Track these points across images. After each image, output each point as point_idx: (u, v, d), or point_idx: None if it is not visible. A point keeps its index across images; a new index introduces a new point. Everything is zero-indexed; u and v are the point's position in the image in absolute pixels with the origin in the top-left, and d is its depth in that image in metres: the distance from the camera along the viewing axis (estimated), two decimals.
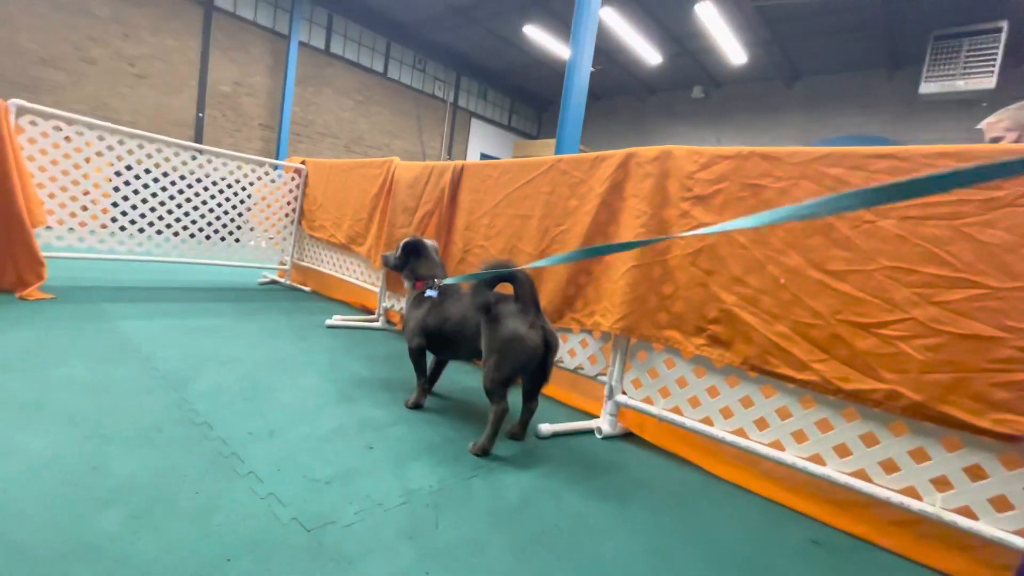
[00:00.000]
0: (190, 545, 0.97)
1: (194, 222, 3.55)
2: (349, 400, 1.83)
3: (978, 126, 2.26)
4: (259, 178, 3.81)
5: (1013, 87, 7.19)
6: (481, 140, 14.62)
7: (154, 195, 3.33)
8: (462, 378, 2.29)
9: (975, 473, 1.20)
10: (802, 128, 10.66)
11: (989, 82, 7.31)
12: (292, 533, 1.05)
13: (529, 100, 15.54)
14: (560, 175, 2.08)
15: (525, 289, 1.58)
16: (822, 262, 1.40)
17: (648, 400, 1.79)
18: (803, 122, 10.73)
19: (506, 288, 1.64)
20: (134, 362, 1.89)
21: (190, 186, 3.48)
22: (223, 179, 3.65)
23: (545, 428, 1.74)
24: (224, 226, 3.71)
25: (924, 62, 8.10)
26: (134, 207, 3.28)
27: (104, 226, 3.19)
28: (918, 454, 1.28)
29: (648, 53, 10.49)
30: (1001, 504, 1.17)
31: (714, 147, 1.64)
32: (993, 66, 7.39)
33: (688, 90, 12.15)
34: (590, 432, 1.85)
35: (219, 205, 3.66)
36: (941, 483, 1.24)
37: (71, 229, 3.03)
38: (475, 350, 1.70)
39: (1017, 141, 2.13)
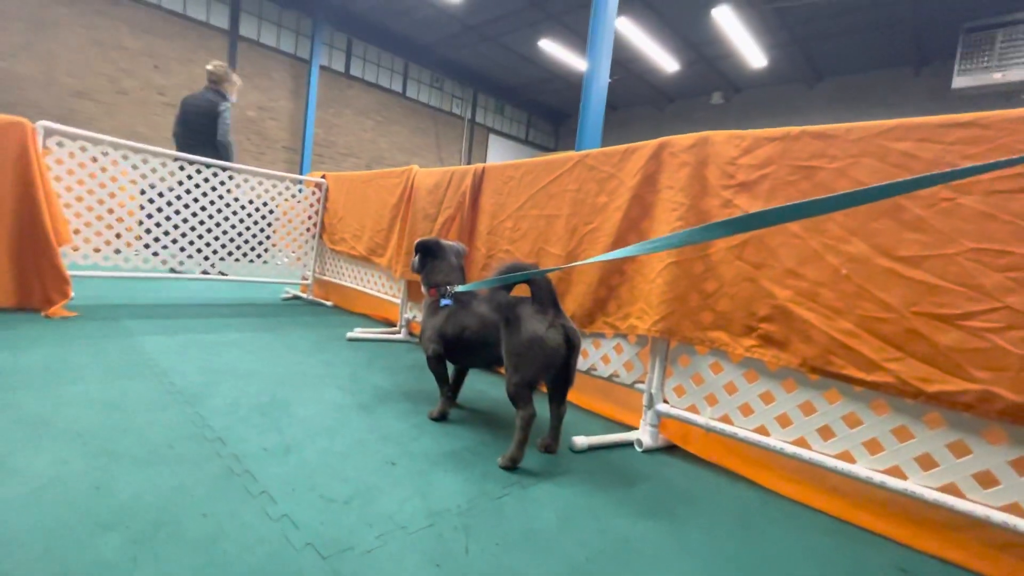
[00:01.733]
0: (194, 574, 0.86)
1: (217, 239, 3.54)
2: (370, 413, 1.73)
3: None
4: (280, 194, 3.80)
5: None
6: (499, 155, 14.68)
7: (177, 212, 3.34)
8: (488, 389, 2.16)
9: None
10: None
11: None
12: (306, 561, 0.94)
13: (546, 114, 15.59)
14: (587, 171, 1.97)
15: (542, 289, 1.50)
16: (891, 248, 1.24)
17: (693, 409, 1.64)
18: (827, 123, 10.41)
19: (524, 291, 1.55)
20: (151, 378, 1.83)
21: (212, 203, 3.48)
22: (245, 196, 3.65)
23: (580, 441, 1.60)
24: (247, 242, 3.70)
25: (955, 56, 7.80)
26: (158, 225, 3.29)
27: (129, 244, 3.20)
28: (1020, 464, 1.10)
29: (665, 61, 10.41)
30: None
31: (757, 130, 1.50)
32: None
33: (707, 96, 12.01)
34: (629, 445, 1.70)
35: (241, 222, 3.66)
36: None
37: (97, 249, 3.05)
38: (496, 357, 1.59)
39: None
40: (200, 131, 4.20)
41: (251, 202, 3.68)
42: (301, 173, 10.59)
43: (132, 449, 1.28)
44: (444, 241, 1.89)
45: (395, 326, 3.17)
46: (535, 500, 1.27)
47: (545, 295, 1.50)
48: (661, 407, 1.68)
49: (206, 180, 3.40)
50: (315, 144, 10.94)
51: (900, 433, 1.25)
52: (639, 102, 13.21)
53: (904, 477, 1.23)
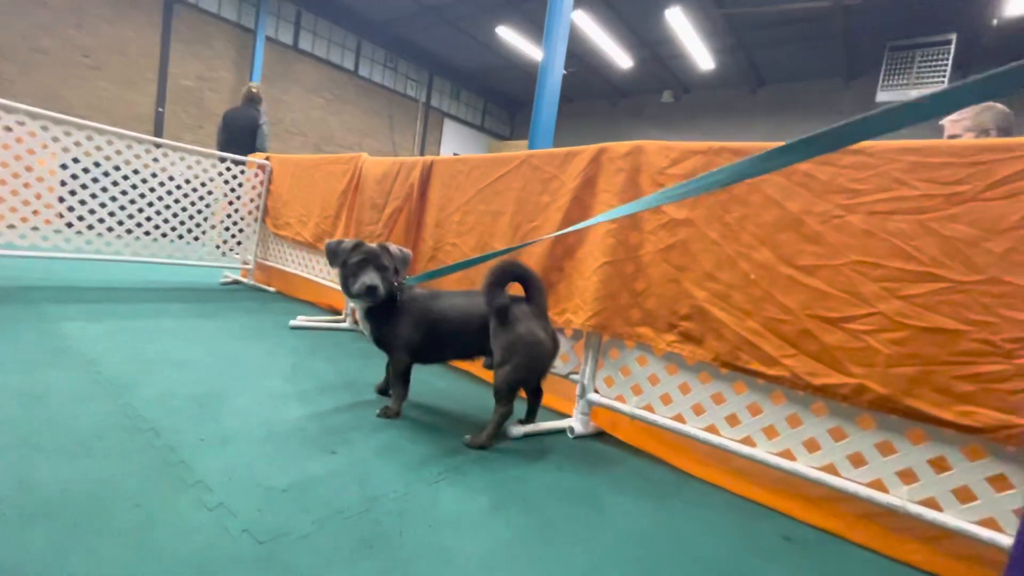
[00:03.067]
0: (125, 564, 0.88)
1: (149, 219, 3.37)
2: (311, 403, 1.75)
3: (940, 122, 2.34)
4: (220, 174, 3.65)
5: None
6: (454, 141, 14.52)
7: (104, 190, 3.15)
8: (431, 379, 2.22)
9: (940, 465, 1.22)
10: (767, 134, 10.97)
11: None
12: (243, 547, 0.97)
13: (502, 101, 15.54)
14: (532, 171, 2.04)
15: (540, 292, 1.64)
16: (792, 257, 1.40)
17: (620, 398, 1.77)
18: (768, 127, 11.04)
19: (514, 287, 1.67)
20: (75, 367, 1.76)
21: (144, 181, 3.30)
22: (181, 175, 3.48)
23: (516, 429, 1.70)
24: (182, 223, 3.54)
25: (880, 72, 8.43)
26: (83, 203, 3.09)
27: (48, 222, 2.99)
28: (884, 447, 1.29)
29: (619, 57, 10.62)
30: (964, 495, 1.18)
31: (685, 143, 1.63)
32: (943, 76, 7.75)
33: (658, 94, 12.36)
34: (562, 432, 1.82)
35: (176, 202, 3.49)
36: (907, 475, 1.25)
37: (11, 226, 2.83)
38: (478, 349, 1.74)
39: None
40: (242, 142, 4.86)
41: (188, 182, 3.52)
42: None
43: (57, 441, 1.25)
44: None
45: (340, 314, 3.15)
46: (469, 485, 1.35)
47: (541, 298, 1.64)
48: (592, 397, 1.81)
49: (137, 156, 3.21)
50: None
51: (792, 420, 1.42)
52: (593, 95, 13.42)
53: (794, 458, 1.41)
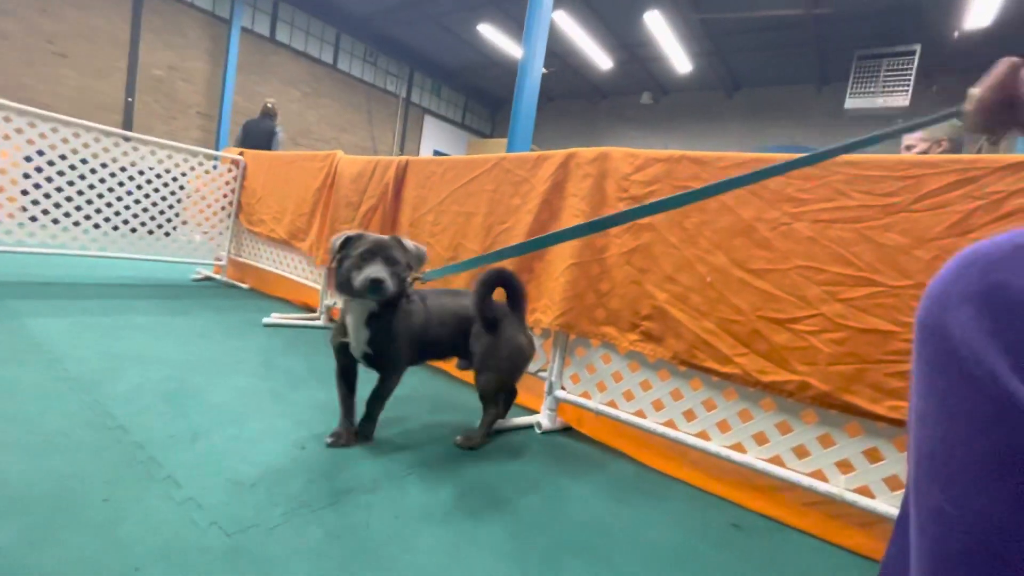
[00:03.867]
0: (94, 556, 0.91)
1: (118, 213, 3.31)
2: (283, 400, 1.77)
3: None
4: (192, 168, 3.60)
5: (923, 105, 7.87)
6: (435, 137, 14.46)
7: (71, 183, 3.08)
8: (406, 377, 2.25)
9: (873, 456, 1.31)
10: (741, 137, 11.23)
11: (904, 100, 7.97)
12: (211, 538, 1.00)
13: (483, 99, 15.52)
14: (504, 173, 2.09)
15: (523, 300, 1.70)
16: (744, 261, 1.48)
17: (586, 395, 1.84)
18: (742, 131, 11.30)
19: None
20: (41, 363, 1.75)
21: (113, 175, 3.24)
22: (151, 168, 3.43)
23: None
24: (152, 219, 3.49)
25: (849, 79, 8.72)
26: (47, 196, 3.02)
27: (11, 216, 2.92)
28: (825, 440, 1.38)
29: (599, 58, 10.73)
30: (895, 484, 1.28)
31: (648, 150, 1.70)
32: (908, 86, 8.06)
33: (637, 96, 12.52)
34: (531, 427, 1.88)
35: (147, 196, 3.44)
36: (844, 466, 1.35)
37: None
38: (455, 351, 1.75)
39: (926, 152, 2.35)
40: (260, 149, 5.16)
41: (159, 176, 3.47)
42: (218, 141, 9.87)
43: (23, 438, 1.25)
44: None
45: (315, 312, 3.15)
46: (437, 478, 1.40)
47: (523, 304, 1.70)
48: (559, 393, 1.87)
49: (106, 150, 3.15)
50: (235, 112, 10.20)
51: (743, 415, 1.50)
52: (574, 95, 13.51)
53: (744, 451, 1.49)
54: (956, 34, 7.73)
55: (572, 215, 1.84)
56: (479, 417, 1.79)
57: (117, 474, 1.17)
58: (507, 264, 1.99)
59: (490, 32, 10.40)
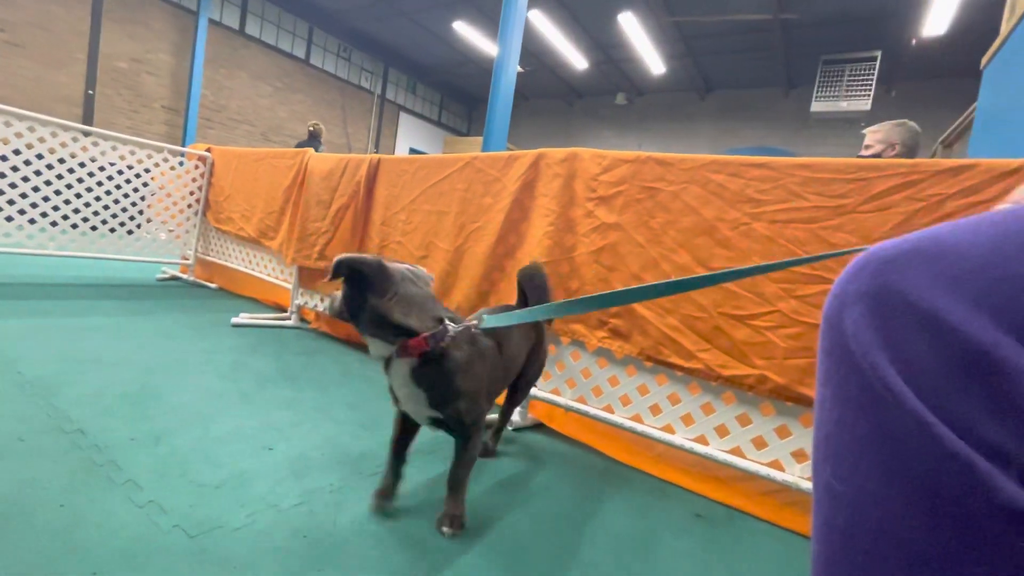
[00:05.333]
0: (50, 561, 0.89)
1: (77, 211, 3.20)
2: (250, 402, 1.75)
3: (862, 131, 2.56)
4: (156, 164, 3.50)
5: (884, 110, 8.18)
6: (410, 135, 14.34)
7: (26, 180, 2.96)
8: (377, 376, 2.25)
9: None
10: (713, 138, 11.47)
11: (866, 104, 8.27)
12: (173, 541, 0.99)
13: (459, 97, 15.46)
14: (475, 173, 2.11)
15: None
16: (707, 259, 1.53)
17: (556, 391, 1.87)
18: (714, 132, 11.55)
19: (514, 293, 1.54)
20: None
21: (72, 171, 3.13)
22: (113, 164, 3.32)
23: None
24: (114, 216, 3.38)
25: (815, 83, 9.00)
26: (1, 193, 2.89)
27: None
28: (782, 431, 1.44)
29: (575, 58, 10.81)
30: None
31: (616, 152, 1.73)
32: (869, 90, 8.36)
33: (612, 96, 12.65)
34: None
35: (108, 193, 3.33)
36: (800, 455, 1.41)
37: None
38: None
39: (880, 155, 2.45)
40: None
41: (121, 172, 3.36)
42: (185, 136, 9.58)
43: None
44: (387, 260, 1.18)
45: (286, 311, 3.11)
46: (407, 476, 1.40)
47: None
48: (531, 390, 1.89)
49: (64, 145, 3.04)
50: (202, 107, 9.92)
51: (706, 408, 1.56)
52: (550, 95, 13.58)
53: (707, 443, 1.55)
54: (914, 41, 8.06)
55: (542, 215, 1.86)
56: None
57: (75, 479, 1.14)
58: (479, 263, 2.00)
59: (465, 30, 10.37)
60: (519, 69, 5.42)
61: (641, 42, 9.48)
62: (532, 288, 1.47)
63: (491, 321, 1.08)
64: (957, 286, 0.22)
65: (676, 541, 1.28)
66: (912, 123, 2.46)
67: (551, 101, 13.88)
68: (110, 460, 1.24)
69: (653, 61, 10.24)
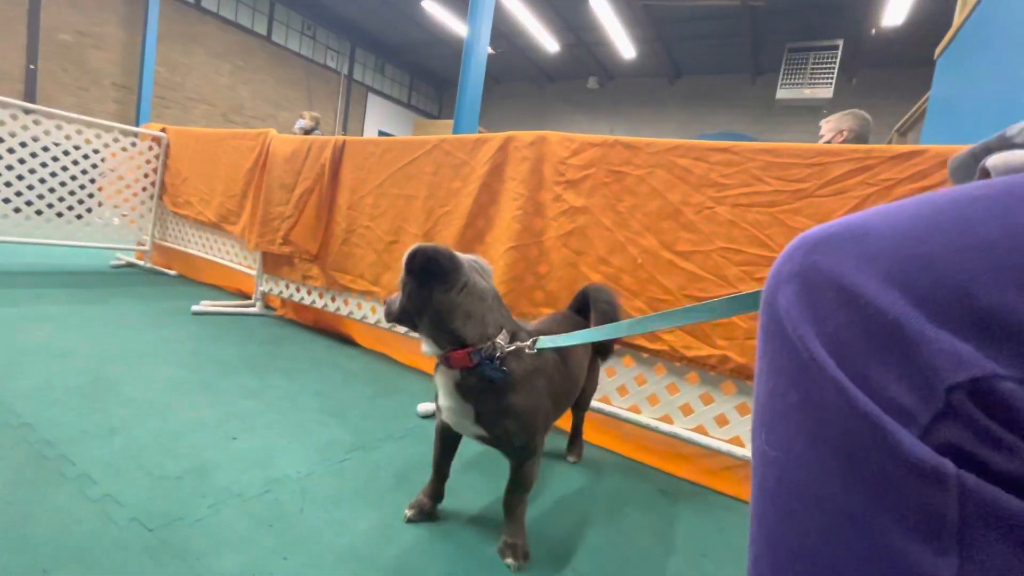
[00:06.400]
0: None
1: (19, 194, 3.01)
2: (212, 391, 1.70)
3: (821, 121, 2.66)
4: (106, 145, 3.32)
5: (845, 98, 8.41)
6: (379, 117, 13.99)
7: None
8: (347, 362, 2.22)
9: None
10: (682, 123, 11.60)
11: (828, 92, 8.49)
12: (130, 535, 0.96)
13: (429, 78, 15.14)
14: (444, 156, 2.07)
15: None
16: (672, 243, 1.56)
17: None
18: (683, 117, 11.67)
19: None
20: None
21: (12, 151, 2.93)
22: (58, 144, 3.12)
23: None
24: (62, 199, 3.19)
25: (780, 71, 9.18)
26: None
27: None
28: (743, 408, 1.49)
29: (546, 40, 10.70)
30: None
31: (584, 135, 1.73)
32: (831, 78, 8.58)
33: (584, 80, 12.61)
34: None
35: (54, 175, 3.14)
36: None
37: None
38: None
39: (830, 142, 2.53)
40: None
41: (67, 153, 3.17)
42: (139, 116, 9.09)
43: None
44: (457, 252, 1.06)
45: (250, 298, 3.02)
46: (375, 462, 1.40)
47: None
48: None
49: (2, 123, 2.84)
50: (157, 85, 9.41)
51: (671, 388, 1.60)
52: (521, 78, 13.43)
53: (671, 422, 1.59)
54: (874, 31, 8.29)
55: (510, 198, 1.85)
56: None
57: (23, 474, 1.09)
58: (448, 243, 1.98)
59: (434, 9, 10.11)
60: (490, 51, 5.32)
61: (612, 25, 9.45)
62: (600, 303, 1.33)
63: (547, 342, 0.94)
64: (874, 264, 0.24)
65: (641, 516, 1.32)
66: (862, 111, 2.55)
67: (523, 85, 13.75)
68: (61, 454, 1.19)
69: (624, 44, 10.23)
